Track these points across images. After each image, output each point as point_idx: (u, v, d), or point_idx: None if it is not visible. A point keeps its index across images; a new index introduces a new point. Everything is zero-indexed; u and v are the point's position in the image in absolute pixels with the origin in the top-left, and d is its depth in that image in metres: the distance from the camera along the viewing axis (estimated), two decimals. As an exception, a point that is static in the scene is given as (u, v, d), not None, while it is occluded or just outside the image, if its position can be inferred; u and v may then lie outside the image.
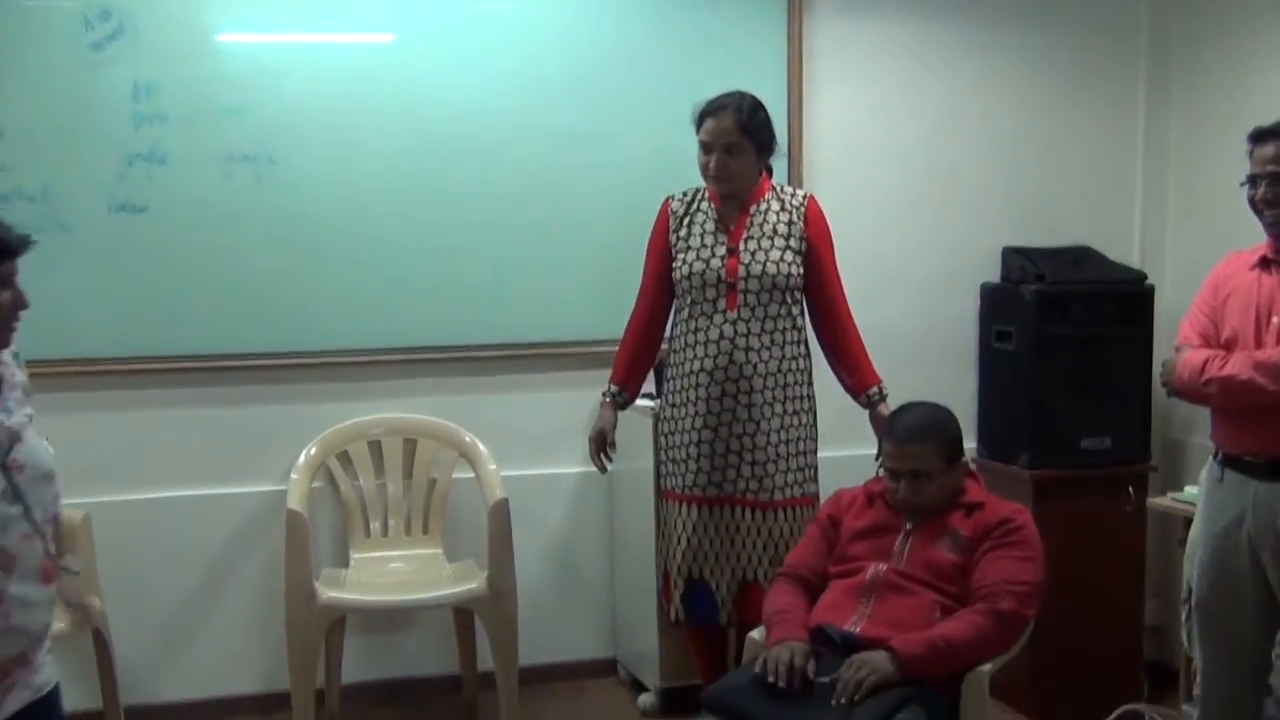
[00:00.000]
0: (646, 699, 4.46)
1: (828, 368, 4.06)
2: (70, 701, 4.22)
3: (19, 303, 2.38)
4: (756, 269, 3.86)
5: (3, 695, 2.31)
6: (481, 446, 4.45)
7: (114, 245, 4.26)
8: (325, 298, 4.43)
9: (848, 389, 4.03)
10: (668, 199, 4.02)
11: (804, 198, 4.00)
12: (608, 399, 4.04)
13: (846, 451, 4.30)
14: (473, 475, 4.43)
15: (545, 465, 4.65)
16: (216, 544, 4.43)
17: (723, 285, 3.87)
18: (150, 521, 4.34)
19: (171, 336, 4.33)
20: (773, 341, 3.89)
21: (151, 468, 4.36)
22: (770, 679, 3.04)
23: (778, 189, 3.99)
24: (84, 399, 4.29)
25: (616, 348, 4.10)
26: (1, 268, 2.34)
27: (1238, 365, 3.20)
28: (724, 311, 3.87)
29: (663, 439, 4.05)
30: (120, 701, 4.08)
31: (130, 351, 4.30)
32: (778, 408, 3.91)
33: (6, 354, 2.43)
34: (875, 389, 3.97)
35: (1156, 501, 4.38)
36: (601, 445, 4.03)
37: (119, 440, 4.34)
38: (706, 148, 3.85)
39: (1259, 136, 3.25)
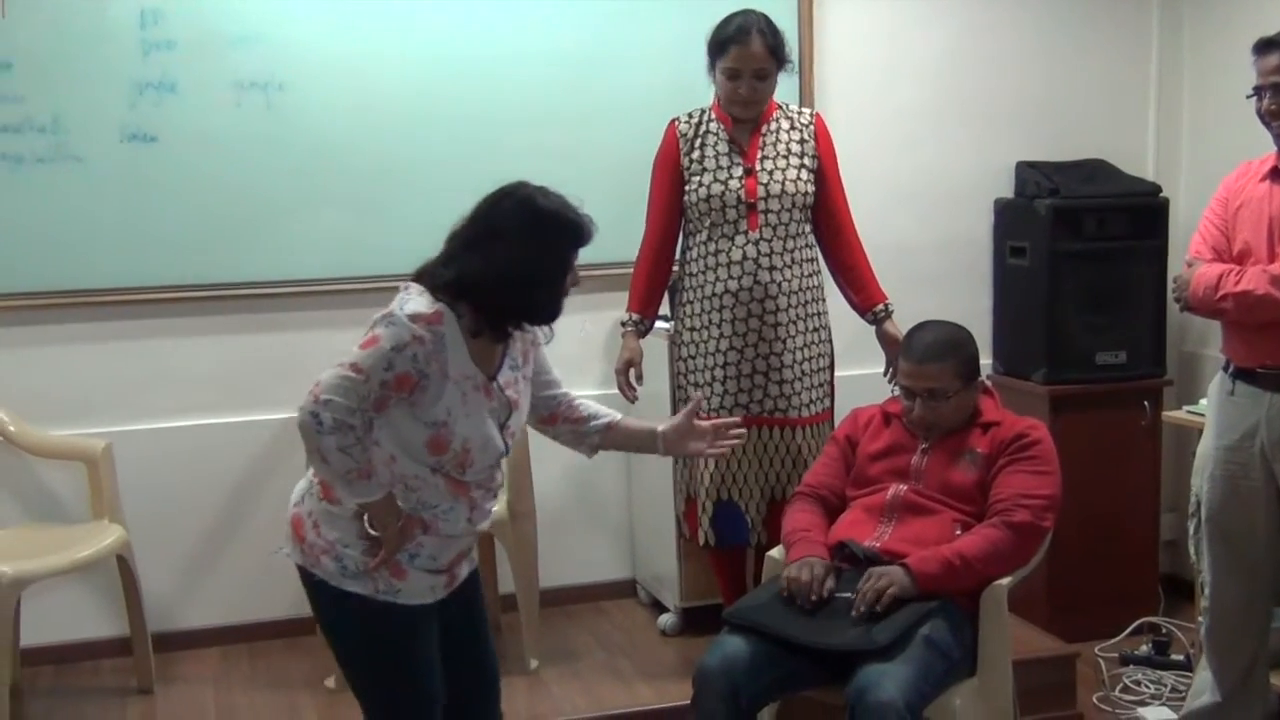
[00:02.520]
0: (667, 619, 4.51)
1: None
2: (98, 629, 4.36)
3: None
4: (775, 188, 3.86)
5: (459, 569, 2.76)
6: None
7: (126, 175, 4.25)
8: (338, 224, 4.43)
9: (854, 306, 4.03)
10: (673, 121, 3.99)
11: (811, 115, 4.00)
12: (629, 328, 4.01)
13: (858, 371, 4.30)
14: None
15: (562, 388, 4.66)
16: (238, 471, 4.46)
17: (743, 206, 3.86)
18: (172, 450, 4.37)
19: (187, 265, 4.33)
20: (794, 260, 3.90)
21: (172, 396, 4.38)
22: (787, 596, 3.08)
23: (784, 107, 3.97)
24: (102, 328, 4.31)
25: (627, 271, 4.09)
26: None
27: (1254, 280, 3.18)
28: (746, 232, 3.86)
29: (681, 363, 4.05)
30: (147, 628, 4.14)
31: (147, 281, 4.31)
32: (800, 325, 3.93)
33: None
34: (882, 305, 3.98)
35: (1172, 415, 4.39)
36: (628, 375, 4.03)
37: (139, 369, 4.36)
38: (734, 74, 3.82)
39: (1262, 47, 3.21)
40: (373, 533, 2.59)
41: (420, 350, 2.48)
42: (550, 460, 4.53)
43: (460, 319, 2.55)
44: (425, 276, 2.62)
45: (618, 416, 2.97)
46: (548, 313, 2.67)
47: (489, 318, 2.58)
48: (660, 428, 2.95)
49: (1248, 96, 3.26)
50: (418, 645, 2.67)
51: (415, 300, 2.54)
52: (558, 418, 2.93)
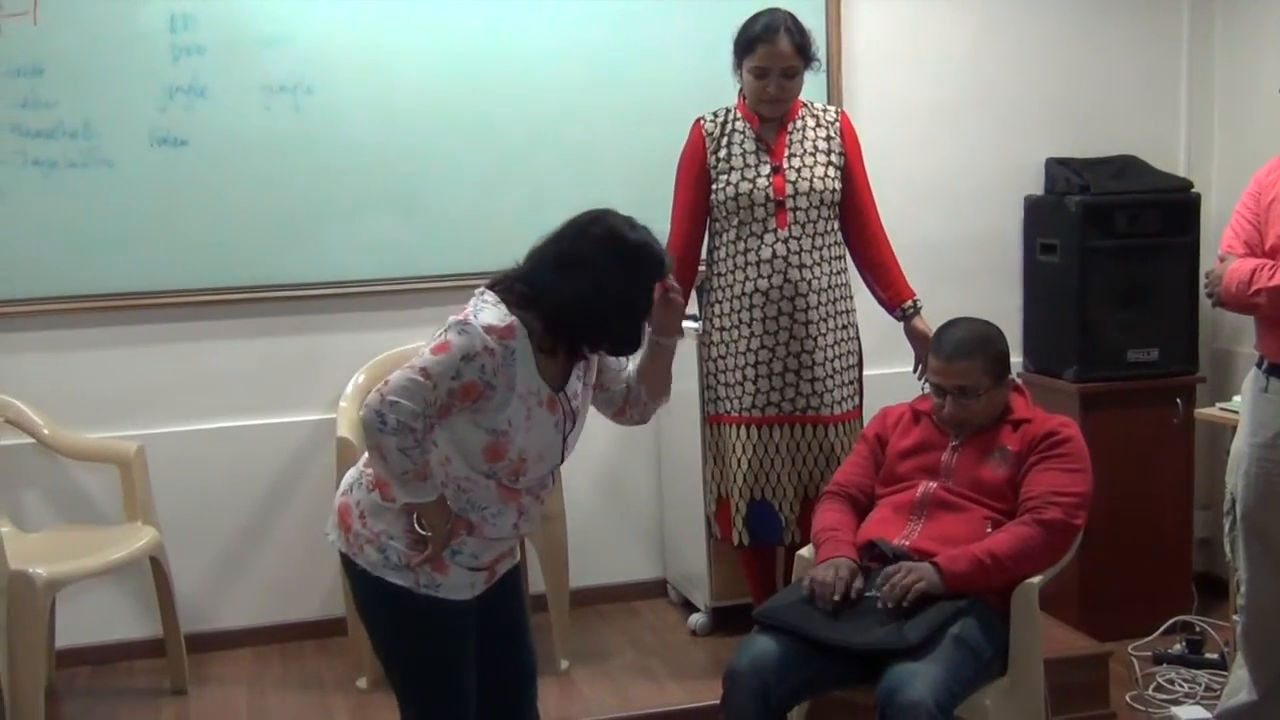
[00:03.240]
0: (697, 618, 4.50)
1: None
2: (132, 630, 4.39)
3: None
4: (804, 186, 3.86)
5: (499, 566, 2.79)
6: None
7: (157, 179, 4.27)
8: (367, 226, 4.44)
9: (883, 303, 4.03)
10: (699, 120, 4.00)
11: (837, 113, 4.01)
12: None
13: (886, 370, 4.28)
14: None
15: (591, 388, 4.67)
16: (269, 473, 4.48)
17: (771, 204, 3.86)
18: (204, 452, 4.40)
19: (218, 268, 4.35)
20: (822, 258, 3.90)
21: (203, 399, 4.41)
22: (811, 598, 3.08)
23: (809, 105, 3.98)
24: (135, 332, 4.33)
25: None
26: None
27: None
28: (775, 230, 3.86)
29: (711, 363, 4.05)
30: (180, 629, 4.16)
31: (179, 284, 4.33)
32: (830, 323, 3.93)
33: None
34: (910, 302, 3.98)
35: (1204, 412, 4.36)
36: None
37: (170, 372, 4.38)
38: (762, 73, 3.82)
39: None
40: (422, 531, 2.62)
41: (489, 362, 2.51)
42: (580, 461, 4.49)
43: (531, 334, 2.57)
44: (501, 286, 2.63)
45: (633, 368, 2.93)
46: (630, 341, 2.71)
47: (567, 341, 2.63)
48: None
49: (1278, 90, 3.23)
50: (453, 641, 2.70)
51: (490, 310, 2.56)
52: (626, 408, 2.93)
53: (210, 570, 4.46)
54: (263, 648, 4.47)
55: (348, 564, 2.72)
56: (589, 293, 2.57)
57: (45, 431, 4.18)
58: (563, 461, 2.77)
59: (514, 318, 2.55)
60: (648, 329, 2.77)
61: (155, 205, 4.28)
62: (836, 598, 3.05)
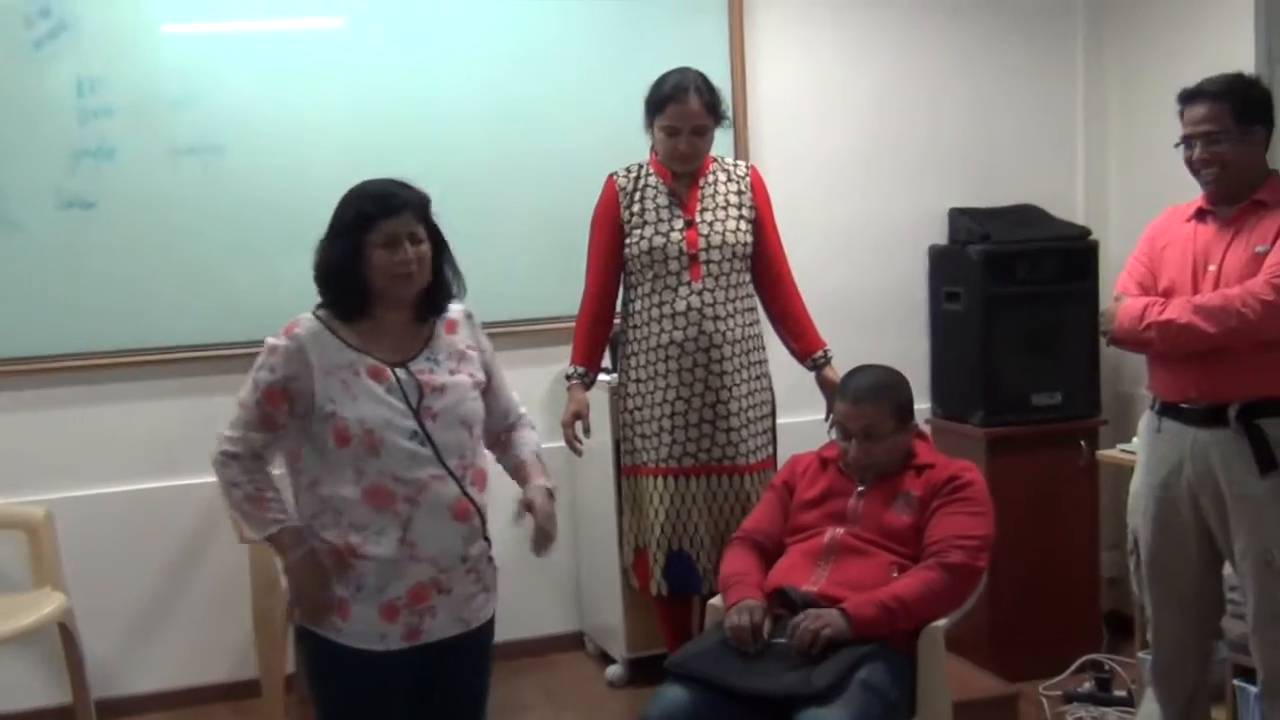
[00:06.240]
0: (614, 670, 4.51)
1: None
2: (40, 698, 4.31)
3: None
4: (716, 239, 3.92)
5: (420, 617, 2.66)
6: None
7: (65, 241, 4.26)
8: (279, 286, 4.38)
9: (794, 354, 4.10)
10: (612, 176, 4.05)
11: (747, 168, 4.08)
12: (575, 380, 4.04)
13: (798, 418, 4.34)
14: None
15: (505, 443, 4.67)
16: (180, 535, 4.44)
17: (685, 258, 3.91)
18: (113, 515, 4.35)
19: (126, 330, 4.33)
20: (736, 309, 3.96)
21: (112, 462, 4.37)
22: (734, 644, 3.10)
23: (720, 160, 4.05)
24: (41, 396, 4.29)
25: (569, 324, 4.12)
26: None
27: (1177, 309, 3.24)
28: (689, 283, 3.92)
29: (626, 414, 4.08)
30: (90, 696, 4.10)
31: (85, 347, 4.30)
32: (745, 373, 3.98)
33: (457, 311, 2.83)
34: (821, 352, 4.05)
35: (1107, 454, 4.44)
36: (575, 428, 4.03)
37: (78, 436, 4.34)
38: (673, 131, 3.89)
39: (1187, 98, 3.28)
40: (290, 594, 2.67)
41: (274, 361, 2.63)
42: (495, 513, 4.53)
43: (322, 315, 2.68)
44: None
45: (524, 457, 2.97)
46: (345, 290, 2.71)
47: (334, 302, 2.72)
48: (523, 495, 2.93)
49: (1175, 145, 3.32)
50: (360, 694, 2.66)
51: None
52: (495, 446, 2.96)
53: (120, 634, 4.41)
54: (175, 711, 4.42)
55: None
56: (321, 243, 2.72)
57: (-50, 498, 4.13)
58: (426, 436, 2.65)
59: (304, 314, 2.71)
60: (524, 492, 2.87)
61: (62, 267, 4.26)
62: (758, 645, 3.08)
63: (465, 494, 2.70)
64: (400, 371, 2.66)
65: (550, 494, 2.89)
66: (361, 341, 2.67)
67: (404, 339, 2.72)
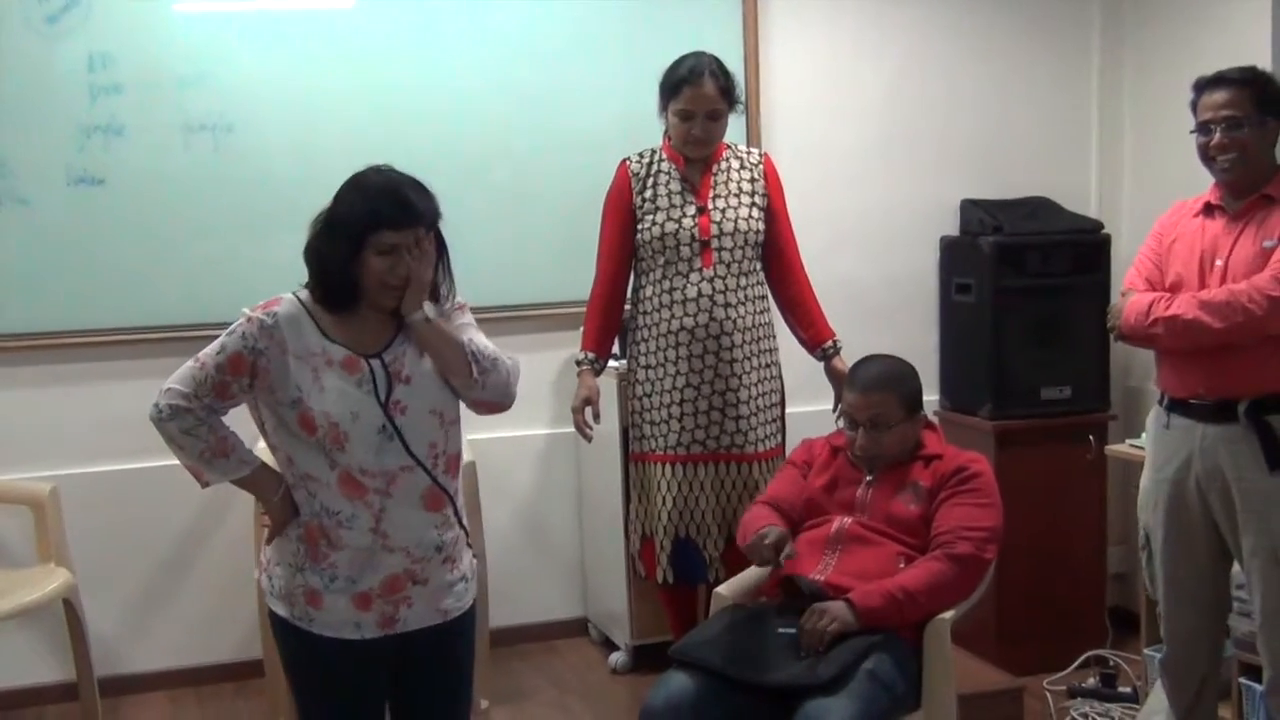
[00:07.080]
0: (618, 657, 4.51)
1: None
2: (43, 674, 4.31)
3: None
4: (729, 226, 3.90)
5: (396, 607, 2.61)
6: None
7: (74, 218, 4.25)
8: (287, 265, 4.38)
9: (803, 343, 4.09)
10: (625, 161, 4.03)
11: (760, 156, 4.06)
12: (585, 366, 4.02)
13: (807, 408, 4.33)
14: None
15: (512, 428, 4.58)
16: (185, 514, 4.44)
17: (697, 244, 3.90)
18: (118, 493, 4.35)
19: (134, 307, 4.32)
20: (747, 297, 3.95)
21: (118, 439, 4.35)
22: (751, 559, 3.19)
23: (733, 147, 4.03)
24: (48, 372, 4.29)
25: (579, 309, 4.12)
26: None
27: (1183, 305, 3.23)
28: (700, 270, 3.90)
29: (636, 401, 4.07)
30: (94, 673, 4.10)
31: (93, 324, 4.30)
32: (754, 361, 3.97)
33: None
34: (831, 342, 4.04)
35: (1116, 449, 4.42)
36: (585, 413, 4.01)
37: (86, 413, 4.34)
38: (687, 115, 3.87)
39: (1205, 85, 3.27)
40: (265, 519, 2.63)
41: (248, 329, 2.58)
42: (501, 499, 4.55)
43: (306, 300, 2.63)
44: None
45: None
46: (335, 286, 2.62)
47: (324, 292, 2.64)
48: None
49: (1191, 132, 3.31)
50: (334, 681, 2.64)
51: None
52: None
53: (125, 612, 4.41)
54: (178, 690, 4.43)
55: (261, 592, 2.73)
56: (314, 229, 2.67)
57: (-44, 473, 4.13)
58: (395, 430, 2.56)
59: (286, 294, 2.65)
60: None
61: (71, 244, 4.25)
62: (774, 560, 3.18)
63: (437, 483, 2.63)
64: (374, 362, 2.58)
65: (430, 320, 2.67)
66: (338, 331, 2.59)
67: (379, 329, 2.63)
